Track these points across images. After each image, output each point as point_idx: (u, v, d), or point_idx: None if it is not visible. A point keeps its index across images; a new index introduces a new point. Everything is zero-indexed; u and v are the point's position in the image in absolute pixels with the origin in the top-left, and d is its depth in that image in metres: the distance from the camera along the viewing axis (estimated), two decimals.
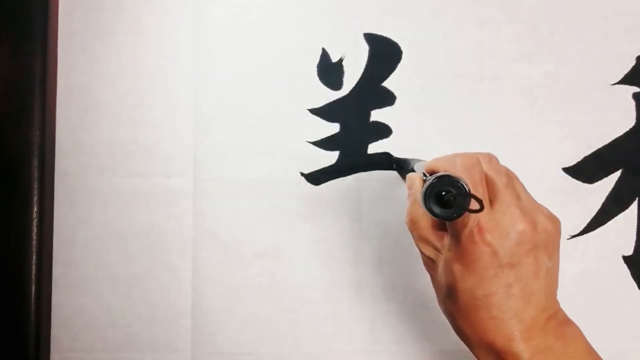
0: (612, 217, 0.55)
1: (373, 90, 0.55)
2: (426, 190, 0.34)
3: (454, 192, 0.33)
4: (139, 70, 0.55)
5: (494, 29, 0.55)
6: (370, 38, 0.55)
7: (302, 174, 0.55)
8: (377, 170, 0.55)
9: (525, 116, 0.55)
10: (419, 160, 0.49)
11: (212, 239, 0.54)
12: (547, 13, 0.55)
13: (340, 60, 0.55)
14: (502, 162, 0.54)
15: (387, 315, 0.54)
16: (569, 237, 0.54)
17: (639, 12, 0.55)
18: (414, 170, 0.45)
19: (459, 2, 0.56)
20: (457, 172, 0.36)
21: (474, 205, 0.32)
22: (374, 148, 0.55)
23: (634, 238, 0.55)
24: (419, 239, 0.39)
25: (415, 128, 0.55)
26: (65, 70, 0.55)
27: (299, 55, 0.55)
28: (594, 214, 0.55)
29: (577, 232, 0.54)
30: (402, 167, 0.51)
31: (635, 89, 0.55)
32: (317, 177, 0.55)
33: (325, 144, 0.55)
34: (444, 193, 0.33)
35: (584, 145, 0.55)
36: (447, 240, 0.37)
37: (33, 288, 0.53)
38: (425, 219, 0.39)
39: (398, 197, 0.55)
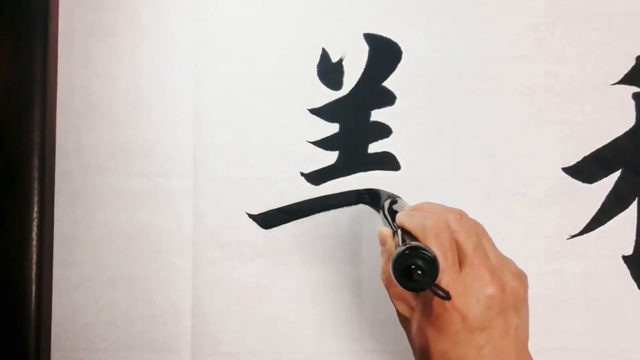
0: (612, 217, 0.55)
1: (373, 90, 0.55)
2: (395, 261, 0.34)
3: (423, 266, 0.33)
4: (139, 70, 0.55)
5: (494, 29, 0.55)
6: (370, 38, 0.55)
7: (302, 174, 0.55)
8: (378, 173, 0.55)
9: (525, 116, 0.55)
10: (389, 195, 0.49)
11: (212, 239, 0.54)
12: (547, 13, 0.55)
13: (340, 60, 0.55)
14: (501, 162, 0.55)
15: (387, 315, 0.54)
16: (569, 237, 0.54)
17: (639, 12, 0.55)
18: (383, 207, 0.45)
19: (459, 2, 0.55)
20: (426, 237, 0.36)
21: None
22: (374, 148, 0.55)
23: (634, 238, 0.54)
24: (395, 297, 0.40)
25: (415, 128, 0.55)
26: (65, 70, 0.55)
27: (299, 55, 0.55)
28: (594, 214, 0.55)
29: (577, 232, 0.54)
30: (374, 198, 0.51)
31: (635, 89, 0.55)
32: (317, 177, 0.55)
33: (325, 144, 0.55)
34: (413, 267, 0.33)
35: (584, 145, 0.55)
36: (420, 301, 0.38)
37: (33, 288, 0.53)
38: None
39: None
